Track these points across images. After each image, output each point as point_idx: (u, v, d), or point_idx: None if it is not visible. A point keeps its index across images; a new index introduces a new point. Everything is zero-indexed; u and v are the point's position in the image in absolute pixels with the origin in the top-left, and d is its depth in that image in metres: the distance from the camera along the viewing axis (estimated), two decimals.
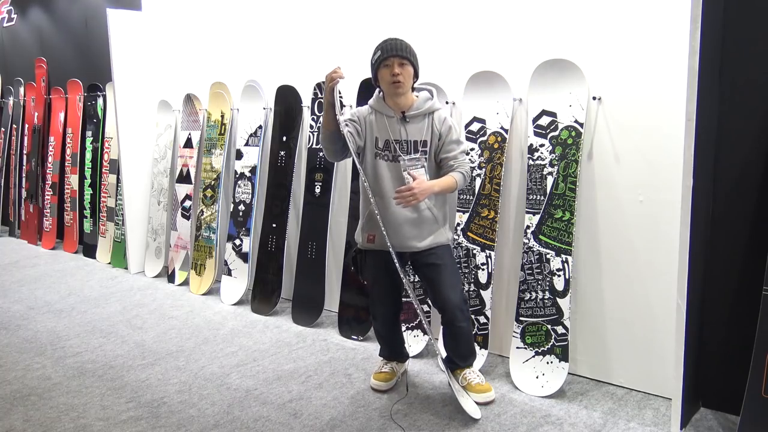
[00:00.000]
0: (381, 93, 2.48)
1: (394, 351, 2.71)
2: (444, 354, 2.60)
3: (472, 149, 2.91)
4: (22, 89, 6.30)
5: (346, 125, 2.41)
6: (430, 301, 2.76)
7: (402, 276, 2.39)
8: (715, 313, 2.34)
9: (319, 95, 3.60)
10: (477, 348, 2.77)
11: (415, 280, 2.88)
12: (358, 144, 2.46)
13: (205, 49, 4.38)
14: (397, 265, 2.36)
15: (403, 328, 2.97)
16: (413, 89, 2.47)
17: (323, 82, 3.52)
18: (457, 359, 2.55)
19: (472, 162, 2.87)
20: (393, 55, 2.35)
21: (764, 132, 2.17)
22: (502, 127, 2.84)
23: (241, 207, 4.00)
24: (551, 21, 2.69)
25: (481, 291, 2.84)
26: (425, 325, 2.52)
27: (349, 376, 2.79)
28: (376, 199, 2.43)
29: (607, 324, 2.64)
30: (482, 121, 2.90)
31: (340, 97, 2.39)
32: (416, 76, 2.45)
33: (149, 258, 4.72)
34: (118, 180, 4.86)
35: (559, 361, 2.57)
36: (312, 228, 3.62)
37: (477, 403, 2.41)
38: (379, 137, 2.46)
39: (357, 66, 3.04)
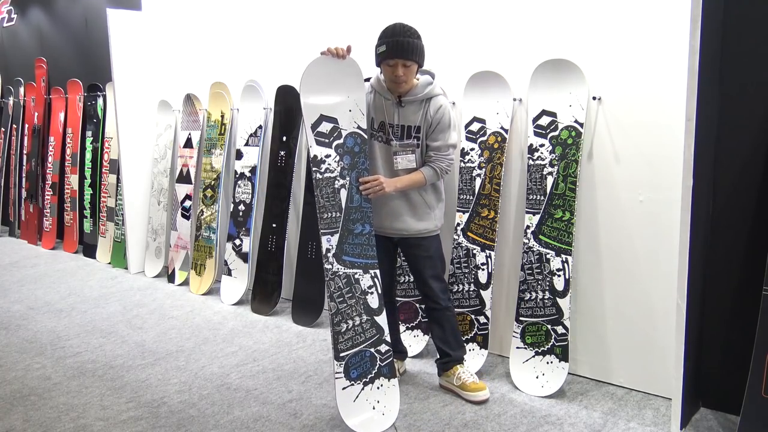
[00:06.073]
0: (382, 74, 2.46)
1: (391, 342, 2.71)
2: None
3: (472, 149, 2.91)
4: (22, 89, 6.30)
5: None
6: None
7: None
8: (715, 313, 2.34)
9: None
10: (477, 348, 2.78)
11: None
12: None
13: (205, 49, 4.38)
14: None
15: (403, 329, 2.98)
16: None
17: None
18: (449, 349, 2.57)
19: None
20: (398, 56, 2.29)
21: (764, 132, 2.17)
22: (502, 127, 2.84)
23: (241, 207, 4.00)
24: (551, 21, 2.69)
25: (481, 291, 2.83)
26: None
27: None
28: None
29: (607, 324, 2.64)
30: (482, 121, 2.89)
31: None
32: (420, 65, 2.39)
33: (149, 258, 4.72)
34: (118, 180, 4.86)
35: (559, 361, 2.57)
36: (312, 228, 3.61)
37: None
38: (375, 118, 2.46)
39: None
